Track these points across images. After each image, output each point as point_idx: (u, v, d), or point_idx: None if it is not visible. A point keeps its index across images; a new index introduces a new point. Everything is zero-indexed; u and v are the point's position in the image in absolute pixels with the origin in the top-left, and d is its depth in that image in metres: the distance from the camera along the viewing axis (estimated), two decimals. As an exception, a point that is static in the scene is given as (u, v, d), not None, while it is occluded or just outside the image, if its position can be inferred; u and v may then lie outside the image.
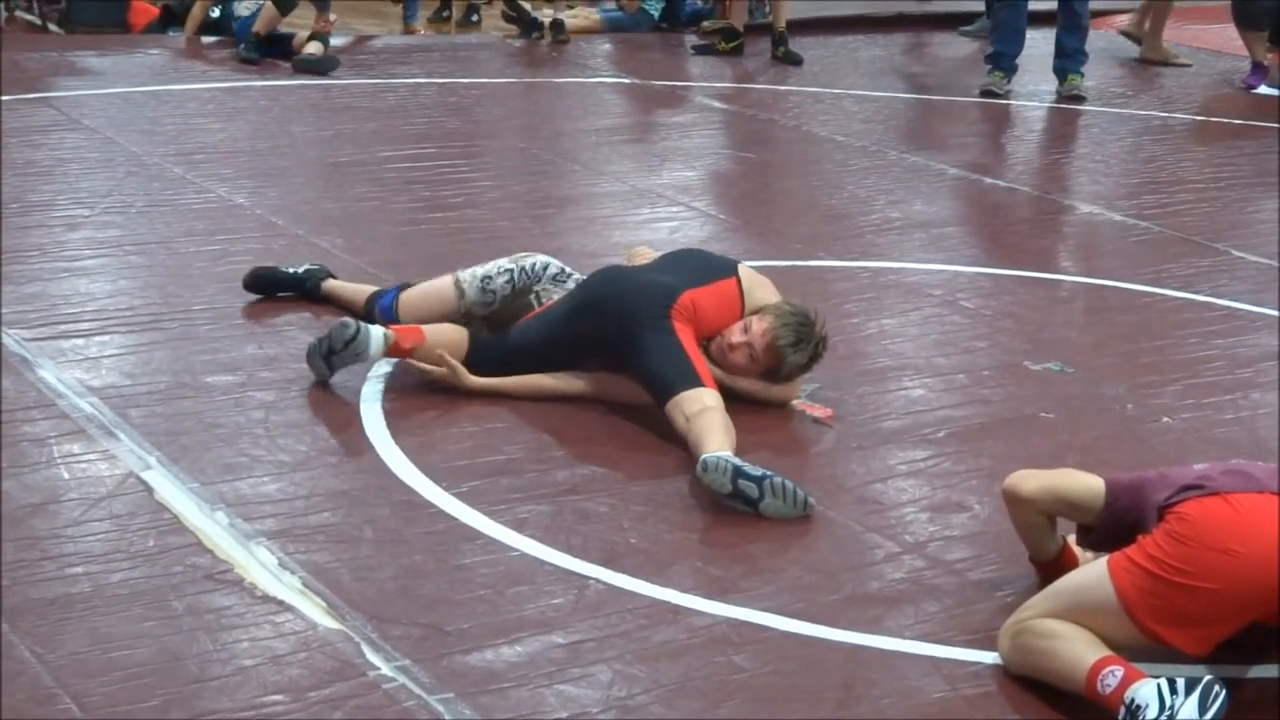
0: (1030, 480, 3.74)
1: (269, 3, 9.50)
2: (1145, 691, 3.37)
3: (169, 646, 3.37)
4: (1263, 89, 10.01)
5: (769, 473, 4.26)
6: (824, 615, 3.71)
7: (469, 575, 3.81)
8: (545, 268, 5.18)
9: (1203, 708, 3.42)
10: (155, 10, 10.29)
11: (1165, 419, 4.99)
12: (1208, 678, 3.37)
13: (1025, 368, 5.35)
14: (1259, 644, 3.64)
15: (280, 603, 3.56)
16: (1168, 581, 3.36)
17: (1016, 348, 5.55)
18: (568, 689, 3.32)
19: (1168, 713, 3.32)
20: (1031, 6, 9.74)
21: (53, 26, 10.06)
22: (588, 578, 3.81)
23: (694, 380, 4.62)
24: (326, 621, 3.48)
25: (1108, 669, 3.41)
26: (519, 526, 4.04)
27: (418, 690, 3.25)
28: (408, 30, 10.70)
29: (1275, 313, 5.91)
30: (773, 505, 4.23)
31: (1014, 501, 3.77)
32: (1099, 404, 5.13)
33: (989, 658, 3.56)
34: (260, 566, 3.72)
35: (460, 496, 4.16)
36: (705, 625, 3.62)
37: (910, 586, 3.92)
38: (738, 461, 4.27)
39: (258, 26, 9.52)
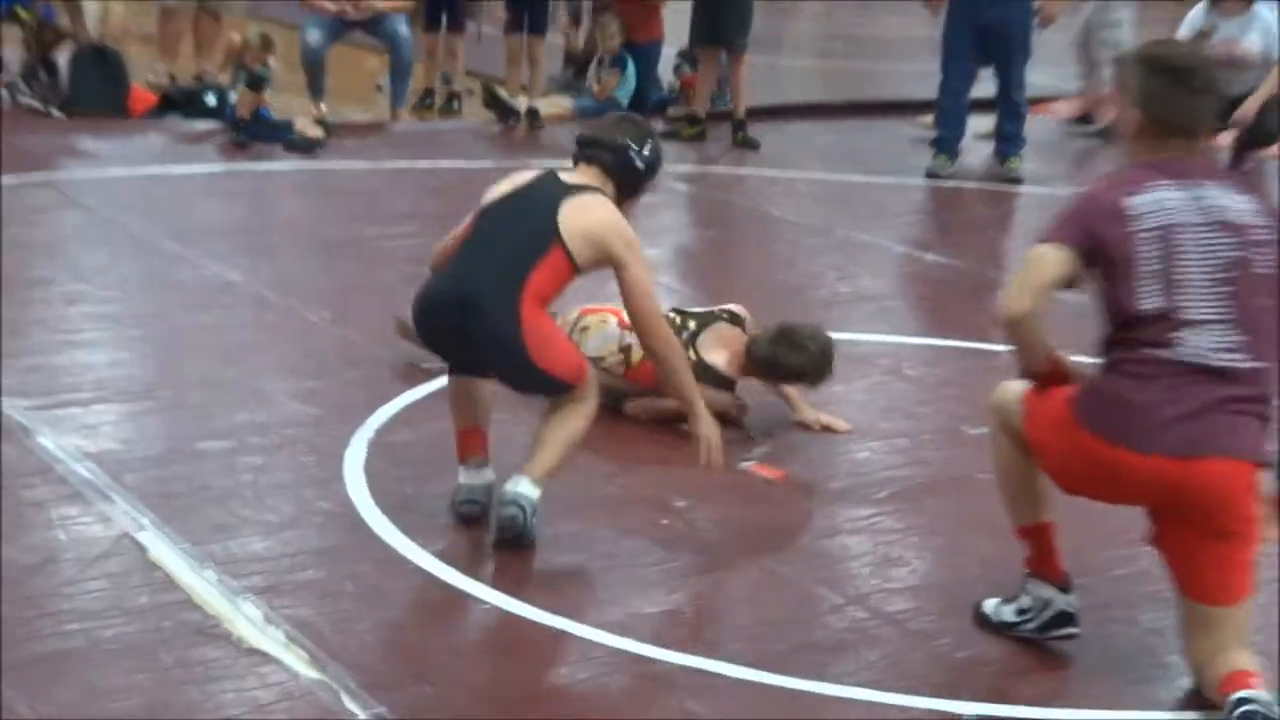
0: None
1: (243, 89, 9.59)
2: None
3: (159, 698, 3.41)
4: None
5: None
6: (772, 663, 3.70)
7: (442, 628, 3.88)
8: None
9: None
10: (154, 97, 10.27)
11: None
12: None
13: (964, 432, 5.34)
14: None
15: (265, 655, 3.59)
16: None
17: (957, 413, 5.55)
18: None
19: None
20: (974, 94, 9.80)
21: (55, 111, 10.05)
22: (552, 629, 3.80)
23: None
24: (309, 672, 3.51)
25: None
26: (491, 581, 4.05)
27: (357, 711, 3.31)
28: (393, 116, 10.73)
29: None
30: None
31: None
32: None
33: (923, 703, 3.56)
34: (247, 621, 3.74)
35: (436, 554, 4.15)
36: (664, 673, 3.63)
37: (853, 636, 3.94)
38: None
39: (240, 110, 9.54)
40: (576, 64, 11.90)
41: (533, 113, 10.72)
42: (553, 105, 11.02)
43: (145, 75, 10.66)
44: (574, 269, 4.28)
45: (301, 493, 4.56)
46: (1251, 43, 9.95)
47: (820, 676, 3.67)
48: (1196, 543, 3.57)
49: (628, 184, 4.46)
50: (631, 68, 11.21)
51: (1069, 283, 3.60)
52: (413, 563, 4.12)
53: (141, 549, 4.08)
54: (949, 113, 9.82)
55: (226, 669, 3.52)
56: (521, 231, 4.31)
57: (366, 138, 10.14)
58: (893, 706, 3.57)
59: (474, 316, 4.22)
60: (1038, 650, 3.86)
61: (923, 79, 10.52)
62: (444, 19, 11.15)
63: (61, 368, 5.49)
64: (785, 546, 4.52)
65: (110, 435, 4.90)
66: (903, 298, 7.48)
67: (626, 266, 4.29)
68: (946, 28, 9.66)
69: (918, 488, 4.96)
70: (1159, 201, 3.53)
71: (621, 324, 5.22)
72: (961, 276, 7.55)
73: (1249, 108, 9.95)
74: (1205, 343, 3.47)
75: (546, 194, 4.34)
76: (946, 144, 9.62)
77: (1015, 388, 3.86)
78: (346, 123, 10.31)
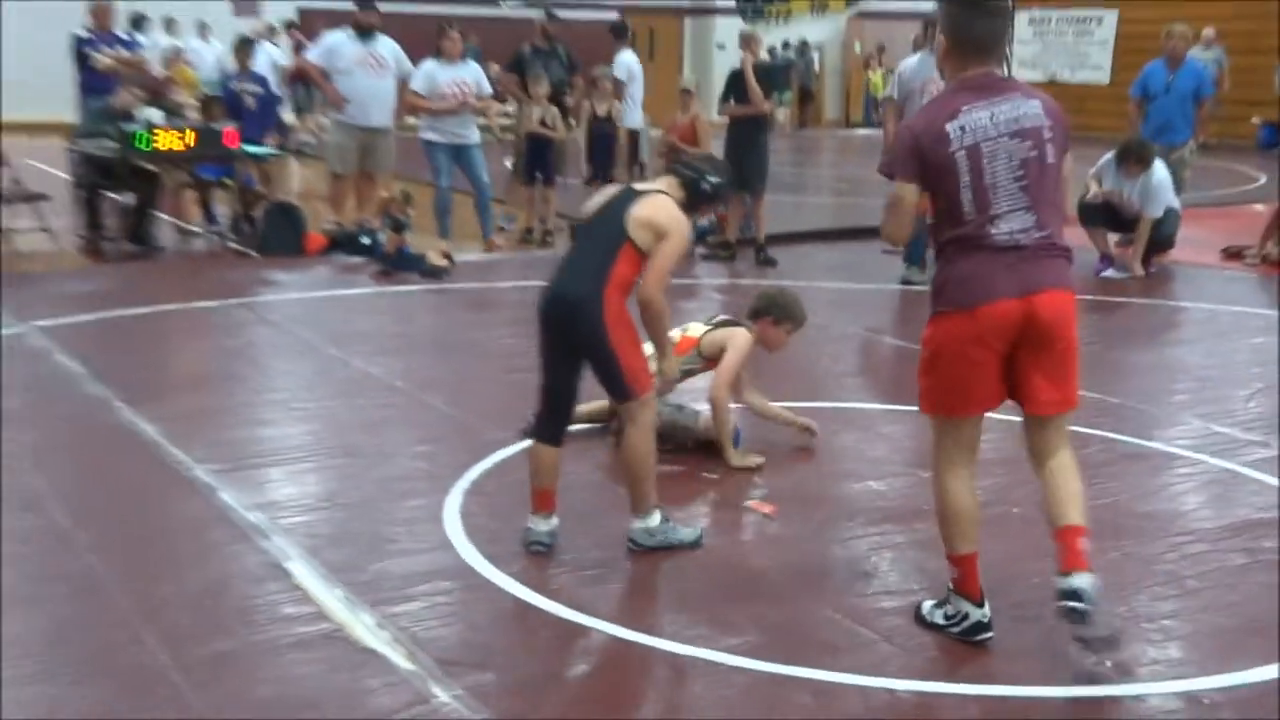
0: None
1: (389, 232, 9.83)
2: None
3: (297, 684, 3.55)
4: (1109, 273, 9.94)
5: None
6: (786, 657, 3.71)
7: (510, 631, 3.94)
8: None
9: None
10: (324, 240, 10.53)
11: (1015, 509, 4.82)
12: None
13: (923, 474, 5.30)
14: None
15: (375, 652, 3.68)
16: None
17: (918, 461, 5.43)
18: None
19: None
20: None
21: (252, 252, 10.35)
22: (599, 631, 3.86)
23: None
24: (406, 664, 3.61)
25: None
26: (551, 595, 4.07)
27: (467, 712, 3.36)
28: (490, 246, 10.77)
29: (1111, 435, 5.81)
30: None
31: None
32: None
33: (901, 685, 3.57)
34: (363, 627, 3.83)
35: (510, 575, 4.21)
36: (666, 660, 3.65)
37: (843, 637, 3.89)
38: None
39: (387, 248, 9.78)
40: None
41: (607, 243, 10.82)
42: (623, 236, 11.14)
43: (319, 224, 10.85)
44: (641, 255, 4.27)
45: (413, 529, 4.65)
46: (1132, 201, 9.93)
47: (827, 668, 3.65)
48: (1045, 361, 3.66)
49: (692, 197, 4.46)
50: (682, 206, 11.37)
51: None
52: (492, 582, 4.17)
53: (289, 575, 4.20)
54: (918, 230, 9.75)
55: (346, 663, 3.62)
56: (602, 235, 4.33)
57: (481, 266, 10.24)
58: (880, 690, 3.56)
59: (567, 305, 4.30)
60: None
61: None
62: (539, 176, 11.23)
63: (242, 441, 5.63)
64: (784, 566, 4.43)
65: (274, 490, 5.02)
66: (877, 373, 7.48)
67: (669, 236, 4.27)
68: None
69: (897, 512, 4.92)
70: (968, 124, 3.60)
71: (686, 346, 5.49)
72: (912, 355, 7.47)
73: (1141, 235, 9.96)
74: (1013, 227, 3.60)
75: (621, 202, 4.34)
76: (914, 258, 9.56)
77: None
78: (466, 256, 10.44)
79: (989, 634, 3.80)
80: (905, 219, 3.79)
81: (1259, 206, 11.27)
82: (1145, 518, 4.92)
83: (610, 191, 4.55)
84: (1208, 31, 19.97)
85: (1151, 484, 5.32)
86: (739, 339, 5.46)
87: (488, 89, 10.86)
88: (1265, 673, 3.66)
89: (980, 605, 3.80)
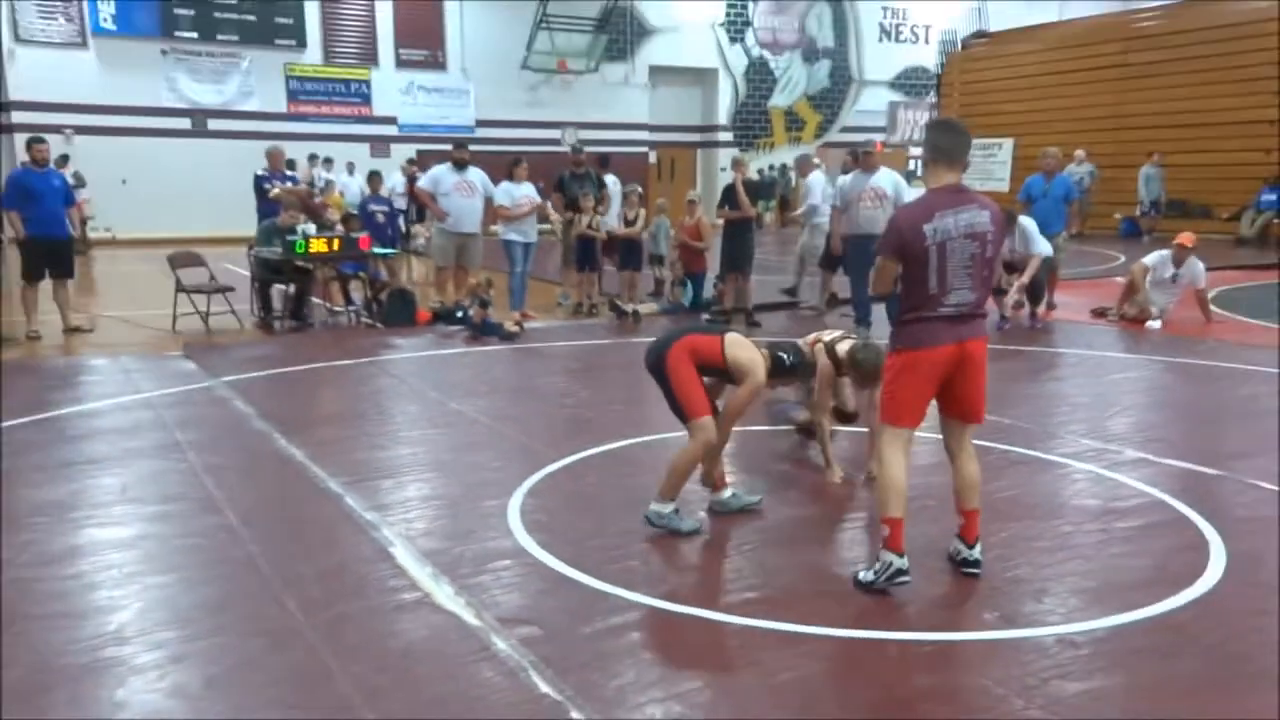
0: None
1: (476, 307, 9.88)
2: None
3: (395, 638, 3.49)
4: (1005, 326, 9.82)
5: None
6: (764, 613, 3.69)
7: (553, 597, 3.85)
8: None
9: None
10: (429, 315, 10.58)
11: (930, 502, 4.80)
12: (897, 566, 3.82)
13: (857, 478, 5.31)
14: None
15: (451, 614, 3.66)
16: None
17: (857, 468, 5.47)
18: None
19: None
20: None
21: (379, 325, 10.42)
22: (621, 598, 3.78)
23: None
24: (474, 621, 3.58)
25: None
26: (588, 571, 3.98)
27: (518, 656, 3.34)
28: (522, 315, 10.54)
29: (1005, 447, 5.74)
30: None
31: None
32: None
33: (839, 632, 3.52)
34: (444, 595, 3.81)
35: (559, 557, 4.15)
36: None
37: (804, 598, 3.83)
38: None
39: (474, 318, 9.82)
40: (659, 286, 12.04)
41: (636, 313, 10.83)
42: (647, 308, 11.11)
43: (427, 303, 10.92)
44: (713, 356, 4.42)
45: (485, 522, 4.60)
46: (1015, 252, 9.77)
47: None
48: (970, 385, 3.88)
49: (783, 373, 4.59)
50: (690, 286, 11.34)
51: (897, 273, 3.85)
52: (541, 561, 4.14)
53: (393, 558, 4.19)
54: (859, 299, 9.64)
55: (431, 622, 3.61)
56: (692, 326, 4.63)
57: (544, 331, 10.23)
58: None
59: (654, 353, 4.46)
60: (912, 598, 3.78)
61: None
62: (586, 266, 11.33)
63: (365, 461, 5.61)
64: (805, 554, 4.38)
65: (385, 496, 5.00)
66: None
67: (749, 375, 4.40)
68: (849, 257, 9.52)
69: (843, 505, 4.85)
70: (939, 226, 3.74)
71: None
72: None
73: (1030, 269, 9.79)
74: (958, 300, 3.78)
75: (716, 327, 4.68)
76: (862, 318, 9.48)
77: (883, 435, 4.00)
78: (533, 324, 10.49)
79: (907, 579, 3.81)
80: (887, 280, 3.91)
81: (1119, 278, 11.12)
82: (1029, 508, 4.84)
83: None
84: (1079, 152, 19.91)
85: (1035, 483, 5.23)
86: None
87: (537, 198, 11.04)
88: (1116, 620, 3.60)
89: (901, 557, 3.83)
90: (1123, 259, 15.59)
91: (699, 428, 4.38)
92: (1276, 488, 5.03)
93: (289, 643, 3.45)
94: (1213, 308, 10.35)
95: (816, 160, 12.16)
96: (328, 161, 20.02)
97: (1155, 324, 9.96)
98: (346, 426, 6.43)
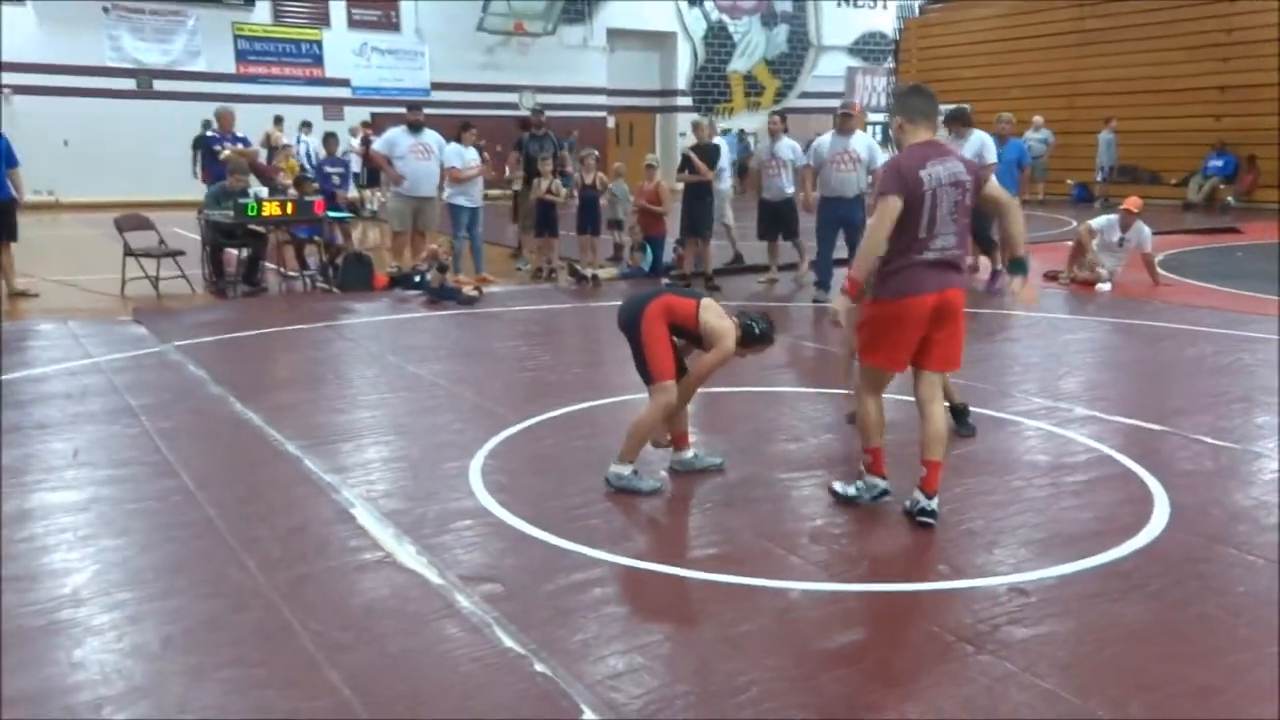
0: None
1: (435, 271, 9.80)
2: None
3: (360, 593, 3.49)
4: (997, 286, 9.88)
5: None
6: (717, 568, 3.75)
7: (513, 553, 3.86)
8: None
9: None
10: (387, 279, 10.47)
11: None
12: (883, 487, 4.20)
13: (822, 437, 5.34)
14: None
15: (414, 572, 3.67)
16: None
17: (823, 429, 5.53)
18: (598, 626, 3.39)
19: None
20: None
21: (335, 289, 10.29)
22: (563, 549, 3.81)
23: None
24: (437, 579, 3.59)
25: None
26: (543, 526, 4.02)
27: (480, 613, 3.36)
28: (484, 280, 10.53)
29: (988, 412, 5.78)
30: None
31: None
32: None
33: (799, 585, 3.59)
34: (406, 554, 3.82)
35: (519, 515, 4.16)
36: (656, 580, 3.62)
37: (758, 553, 3.88)
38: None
39: (433, 283, 9.73)
40: (618, 250, 12.03)
41: (595, 277, 10.82)
42: (606, 272, 11.10)
43: (384, 268, 10.80)
44: (686, 318, 4.46)
45: (446, 483, 4.59)
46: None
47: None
48: (947, 332, 4.05)
49: (753, 341, 4.55)
50: (650, 250, 11.32)
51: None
52: (502, 520, 4.15)
53: (354, 519, 4.18)
54: (822, 263, 9.64)
55: (395, 581, 3.61)
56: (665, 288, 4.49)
57: (502, 296, 10.18)
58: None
59: (627, 312, 4.50)
60: (868, 551, 3.86)
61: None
62: (546, 230, 11.23)
63: (323, 424, 5.58)
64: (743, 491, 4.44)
65: (345, 459, 4.97)
66: (796, 367, 7.34)
67: (720, 339, 4.43)
68: (819, 219, 9.55)
69: (806, 463, 4.86)
70: (932, 173, 3.93)
71: None
72: (825, 354, 7.52)
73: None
74: (942, 244, 3.97)
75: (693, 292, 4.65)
76: (823, 281, 9.57)
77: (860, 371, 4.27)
78: (492, 289, 10.42)
79: (890, 496, 4.23)
80: (888, 222, 3.94)
81: (1070, 243, 11.29)
82: (983, 464, 4.93)
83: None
84: (1037, 118, 20.11)
85: (988, 440, 5.31)
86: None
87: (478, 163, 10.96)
88: (1065, 569, 3.70)
89: (884, 479, 4.24)
90: (1074, 224, 15.81)
91: (662, 390, 4.42)
92: (1217, 442, 5.18)
93: (249, 603, 3.43)
94: (1160, 271, 10.56)
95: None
96: (278, 119, 19.65)
97: (1105, 286, 10.15)
98: (304, 390, 6.37)
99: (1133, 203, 10.36)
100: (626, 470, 4.48)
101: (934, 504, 4.08)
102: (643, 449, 4.55)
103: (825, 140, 9.42)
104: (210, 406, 5.95)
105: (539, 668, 3.01)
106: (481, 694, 2.88)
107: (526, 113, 13.90)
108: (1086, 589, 3.54)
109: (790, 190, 10.47)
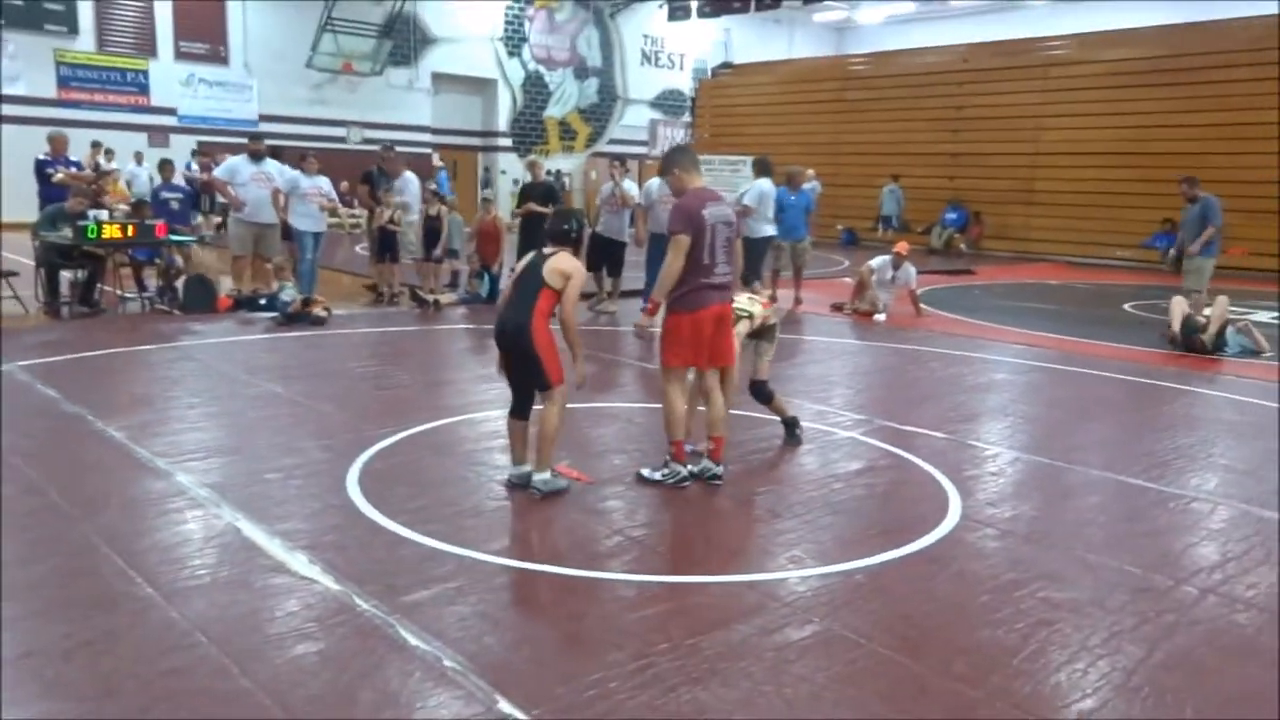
0: None
1: (297, 297, 9.39)
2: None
3: (250, 601, 3.34)
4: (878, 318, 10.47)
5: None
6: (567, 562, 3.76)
7: (396, 557, 3.76)
8: None
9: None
10: (230, 301, 9.93)
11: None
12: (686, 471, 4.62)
13: (642, 447, 5.42)
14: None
15: (308, 579, 3.54)
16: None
17: (644, 437, 5.58)
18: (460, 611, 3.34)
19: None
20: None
21: (176, 311, 9.66)
22: (443, 551, 3.74)
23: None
24: (333, 585, 3.47)
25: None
26: (422, 531, 3.94)
27: (363, 604, 3.26)
28: (310, 303, 9.78)
29: (767, 417, 5.93)
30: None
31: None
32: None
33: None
34: (297, 562, 3.67)
35: (399, 522, 4.07)
36: (541, 580, 3.61)
37: (602, 544, 3.90)
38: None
39: (291, 308, 9.31)
40: (454, 277, 11.83)
41: (436, 302, 10.62)
42: (446, 298, 10.91)
43: (225, 290, 10.24)
44: (556, 293, 4.36)
45: (324, 496, 4.45)
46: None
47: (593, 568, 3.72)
48: (723, 337, 4.65)
49: (572, 244, 4.53)
50: (487, 277, 11.24)
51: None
52: (384, 526, 4.05)
53: (239, 531, 3.99)
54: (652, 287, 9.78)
55: (285, 587, 3.47)
56: (529, 283, 4.40)
57: (349, 317, 9.84)
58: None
59: (512, 329, 4.40)
60: (694, 542, 3.95)
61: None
62: (386, 256, 10.97)
63: (188, 440, 5.27)
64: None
65: (215, 473, 4.72)
66: (627, 385, 7.43)
67: (571, 276, 4.38)
68: (649, 252, 9.63)
69: (634, 467, 4.92)
70: (709, 214, 4.48)
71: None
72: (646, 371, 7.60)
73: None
74: (721, 272, 4.53)
75: (537, 262, 4.45)
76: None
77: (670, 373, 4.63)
78: (339, 310, 10.06)
79: (690, 482, 4.61)
80: (683, 254, 4.45)
81: (847, 279, 12.03)
82: (792, 467, 5.18)
83: (528, 257, 4.53)
84: (809, 171, 21.32)
85: (800, 449, 5.52)
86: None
87: (334, 195, 10.57)
88: (870, 561, 3.91)
89: (685, 466, 4.64)
90: (846, 264, 16.89)
91: (561, 394, 4.46)
92: (1008, 452, 5.68)
93: (142, 614, 3.20)
94: (922, 305, 11.44)
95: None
96: (109, 152, 18.17)
97: (880, 317, 10.89)
98: (164, 408, 5.95)
99: (902, 247, 11.18)
100: (547, 475, 4.48)
101: (720, 469, 4.67)
102: (554, 452, 4.53)
103: (656, 183, 9.62)
104: (69, 424, 5.48)
105: (416, 642, 2.97)
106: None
107: (354, 147, 13.48)
108: (904, 572, 3.80)
109: (628, 230, 10.56)
